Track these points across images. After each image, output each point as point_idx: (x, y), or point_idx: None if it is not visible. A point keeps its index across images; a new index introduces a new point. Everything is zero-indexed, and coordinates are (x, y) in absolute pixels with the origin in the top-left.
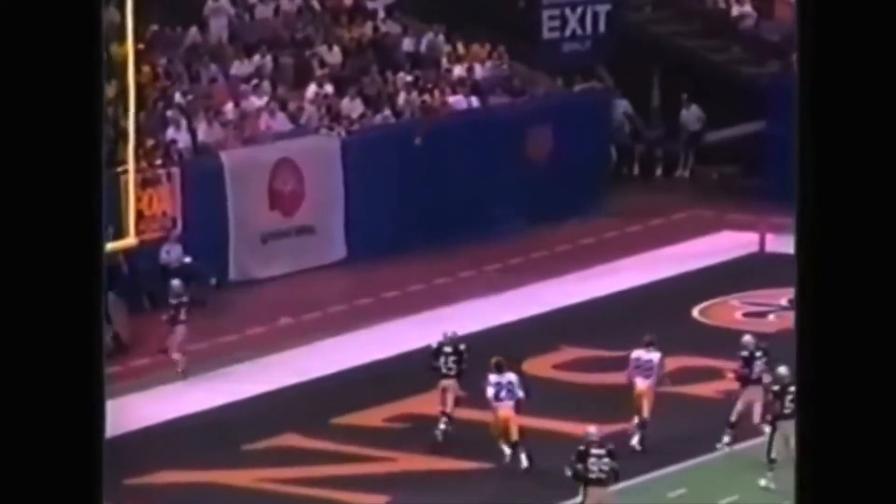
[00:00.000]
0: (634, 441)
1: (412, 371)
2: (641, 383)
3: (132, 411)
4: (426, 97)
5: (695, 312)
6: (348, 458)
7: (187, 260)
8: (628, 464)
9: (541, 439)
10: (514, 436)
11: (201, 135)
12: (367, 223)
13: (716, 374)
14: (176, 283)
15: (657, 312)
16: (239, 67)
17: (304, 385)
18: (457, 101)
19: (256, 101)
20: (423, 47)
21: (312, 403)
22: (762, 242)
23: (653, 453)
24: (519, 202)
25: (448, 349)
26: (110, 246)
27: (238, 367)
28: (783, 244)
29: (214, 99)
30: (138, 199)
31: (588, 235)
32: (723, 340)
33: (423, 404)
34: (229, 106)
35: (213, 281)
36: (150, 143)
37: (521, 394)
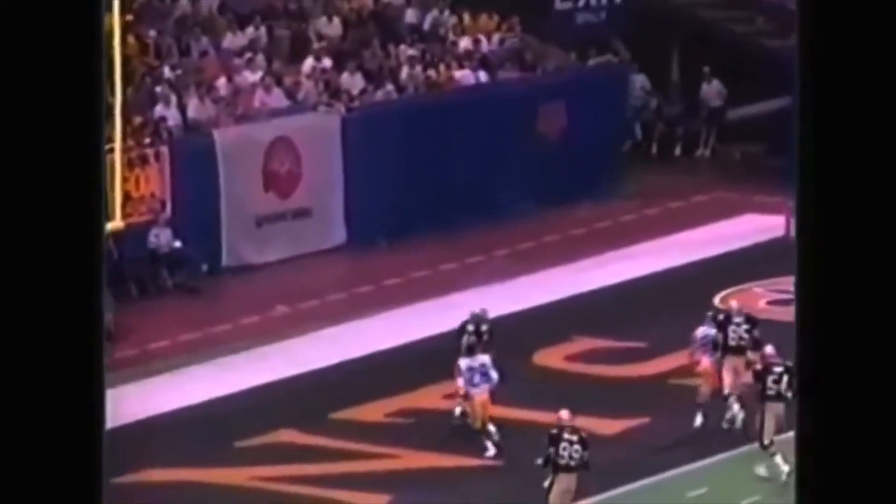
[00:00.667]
0: (698, 422)
1: (416, 362)
2: (706, 362)
3: (117, 406)
4: (431, 72)
5: (716, 300)
6: (348, 456)
7: (177, 245)
8: (647, 460)
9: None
10: (478, 421)
11: (192, 112)
12: (368, 206)
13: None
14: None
15: (676, 301)
16: (232, 40)
17: (302, 377)
18: (464, 75)
19: (250, 76)
20: (427, 19)
21: (310, 397)
22: (788, 226)
23: (672, 450)
24: (530, 183)
25: (471, 328)
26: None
27: (231, 358)
28: None
29: (206, 73)
30: (125, 180)
31: (603, 218)
32: None
33: (428, 398)
34: (222, 81)
35: (205, 267)
36: (137, 120)
37: (495, 376)
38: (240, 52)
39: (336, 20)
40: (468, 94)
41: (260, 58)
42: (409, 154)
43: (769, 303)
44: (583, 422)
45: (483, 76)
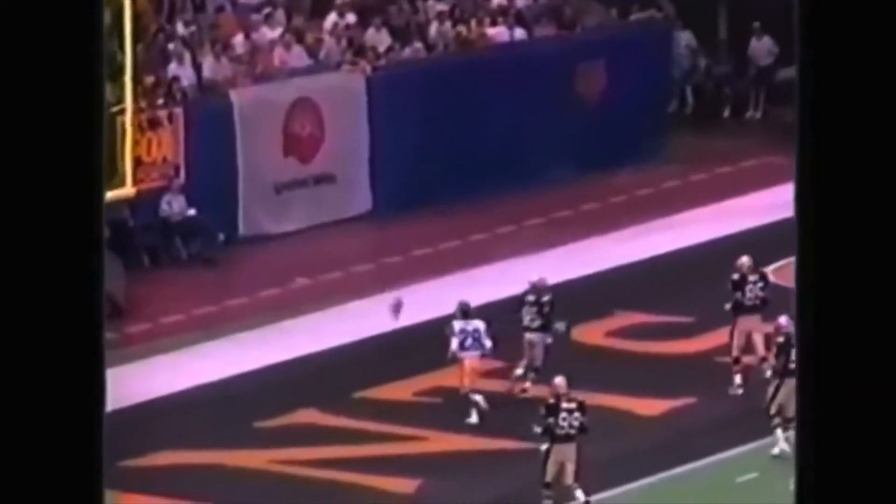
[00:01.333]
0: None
1: (445, 338)
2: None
3: (129, 384)
4: (461, 28)
5: (769, 273)
6: (373, 438)
7: (191, 213)
8: (692, 443)
9: (593, 416)
10: (472, 386)
11: (207, 71)
12: (395, 171)
13: None
14: None
15: (724, 272)
16: None
17: (323, 354)
18: (497, 32)
19: (269, 33)
20: None
21: (332, 375)
22: None
23: (719, 432)
24: (567, 148)
25: (531, 298)
26: (107, 196)
27: (249, 333)
28: None
29: (222, 30)
30: (136, 144)
31: (645, 185)
32: None
33: (457, 376)
34: (239, 38)
35: (221, 236)
36: (149, 80)
37: (488, 343)
38: (258, 8)
39: None
40: (501, 53)
41: (279, 13)
42: (439, 116)
43: None
44: (624, 402)
45: (518, 33)
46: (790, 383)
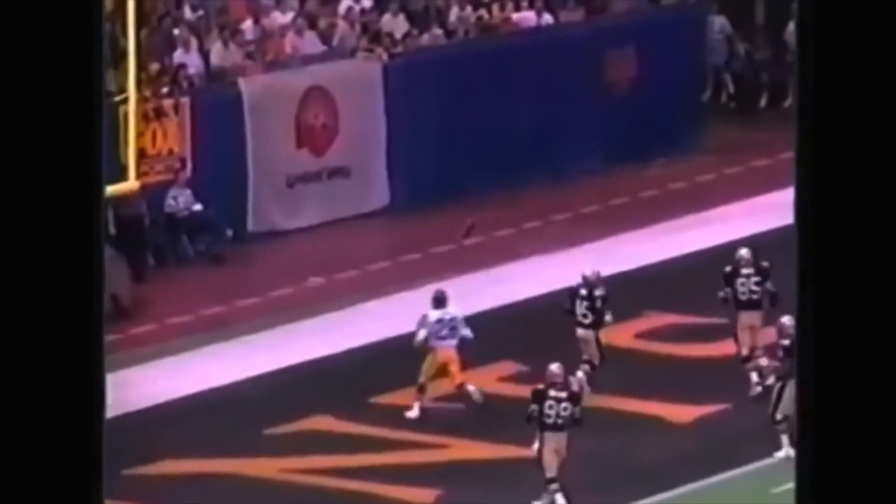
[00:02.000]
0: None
1: (468, 341)
2: None
3: (132, 388)
4: (483, 13)
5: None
6: (390, 445)
7: (198, 208)
8: (726, 452)
9: (620, 422)
10: (457, 379)
11: (215, 58)
12: (413, 164)
13: None
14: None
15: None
16: None
17: (338, 357)
18: (522, 17)
19: (280, 18)
20: None
21: (348, 379)
22: None
23: (754, 440)
24: (595, 139)
25: (584, 292)
26: (110, 190)
27: (259, 335)
28: None
29: (231, 15)
30: (140, 135)
31: (678, 178)
32: None
33: (481, 380)
34: (248, 24)
35: (230, 233)
36: (154, 67)
37: (465, 332)
38: None
39: None
40: (526, 39)
41: None
42: (459, 106)
43: None
44: (654, 408)
45: (543, 18)
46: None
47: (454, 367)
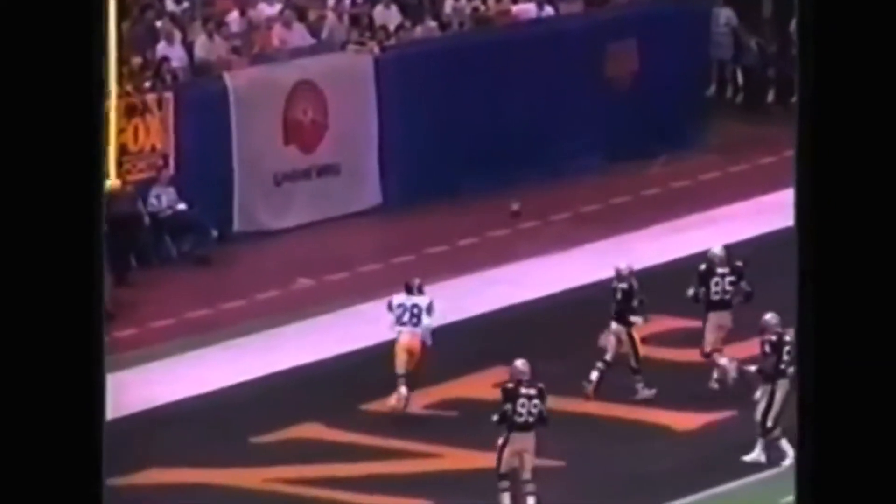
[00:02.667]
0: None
1: (460, 346)
2: None
3: (114, 394)
4: (479, 4)
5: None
6: (382, 454)
7: (182, 207)
8: (733, 460)
9: (625, 431)
10: (409, 366)
11: (199, 51)
12: (406, 161)
13: None
14: None
15: (767, 273)
16: None
17: (328, 363)
18: (521, 9)
19: (267, 10)
20: None
21: (338, 386)
22: None
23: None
24: (596, 135)
25: (624, 286)
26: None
27: (246, 339)
28: None
29: (216, 6)
30: (121, 131)
31: (681, 176)
32: None
33: (476, 386)
34: (234, 15)
35: (215, 233)
36: (135, 61)
37: (427, 321)
38: None
39: None
40: (523, 31)
41: None
42: (454, 101)
43: None
44: (658, 415)
45: (542, 10)
46: (783, 385)
47: (411, 358)
